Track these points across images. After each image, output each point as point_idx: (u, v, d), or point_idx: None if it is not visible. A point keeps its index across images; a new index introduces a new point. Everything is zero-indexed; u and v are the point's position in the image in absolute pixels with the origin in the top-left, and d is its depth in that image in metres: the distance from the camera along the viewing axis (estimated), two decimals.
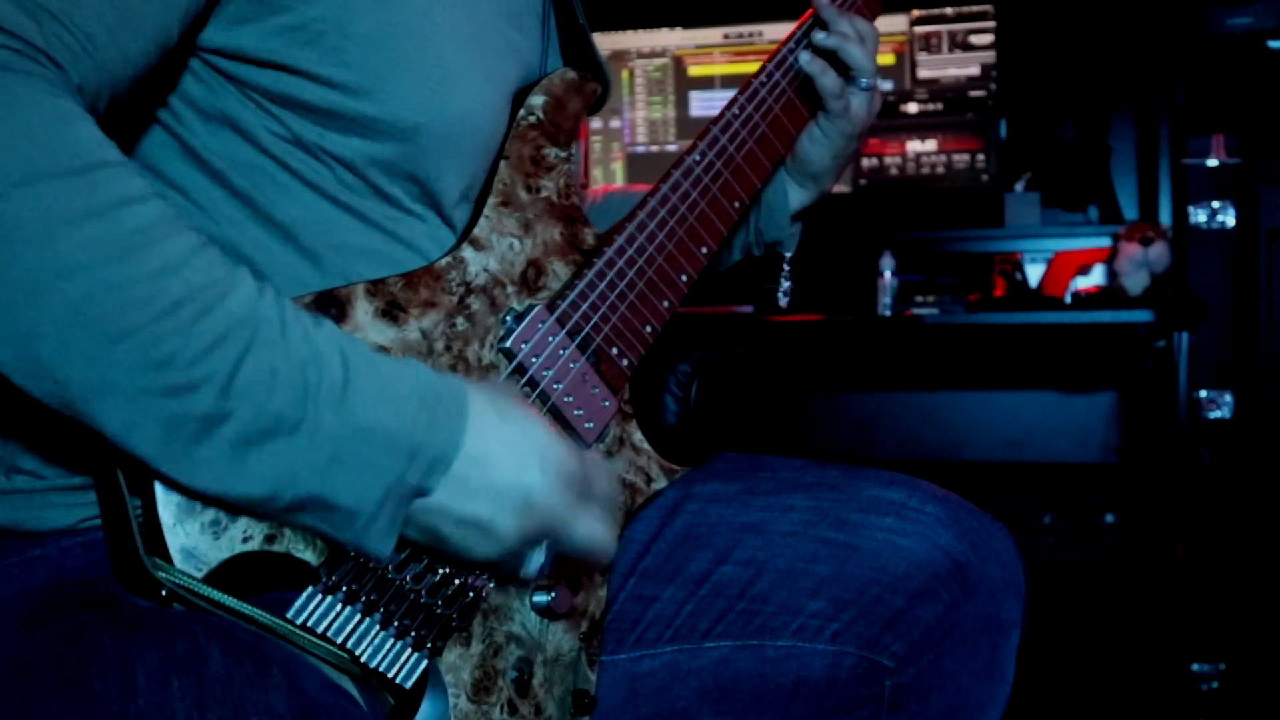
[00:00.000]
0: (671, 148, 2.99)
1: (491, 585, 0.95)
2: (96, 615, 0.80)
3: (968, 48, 2.81)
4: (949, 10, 2.81)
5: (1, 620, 0.83)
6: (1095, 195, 2.90)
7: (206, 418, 0.75)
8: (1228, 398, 2.61)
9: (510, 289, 0.99)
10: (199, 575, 0.80)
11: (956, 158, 2.82)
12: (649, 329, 1.09)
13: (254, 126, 0.92)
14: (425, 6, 0.93)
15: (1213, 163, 2.62)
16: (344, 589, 0.86)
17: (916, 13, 2.83)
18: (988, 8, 2.79)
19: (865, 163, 2.87)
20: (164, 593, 0.80)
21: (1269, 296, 2.58)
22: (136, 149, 0.92)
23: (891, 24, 2.84)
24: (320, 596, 0.85)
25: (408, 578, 0.90)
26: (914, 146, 2.84)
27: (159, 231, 0.75)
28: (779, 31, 2.90)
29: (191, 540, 0.80)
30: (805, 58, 1.26)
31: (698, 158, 1.17)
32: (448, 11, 0.95)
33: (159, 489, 0.79)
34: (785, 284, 1.41)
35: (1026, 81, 2.95)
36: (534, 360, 0.99)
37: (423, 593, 0.90)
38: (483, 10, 1.00)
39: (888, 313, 2.68)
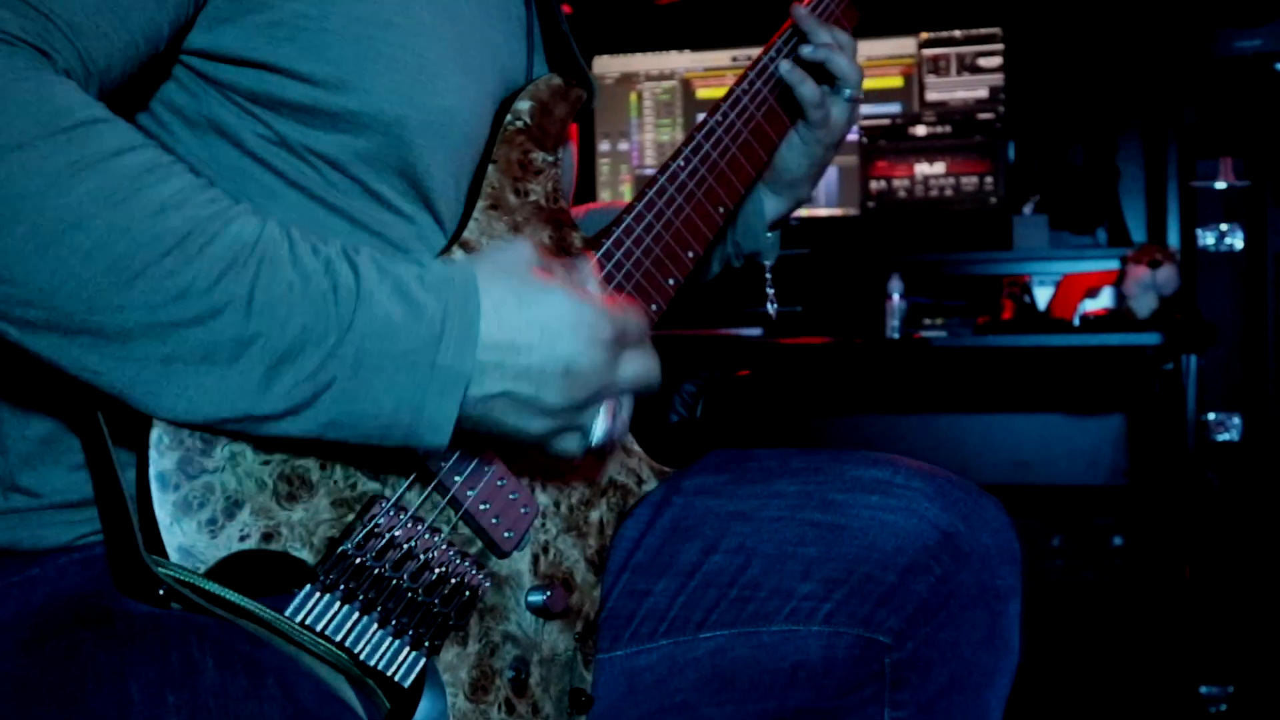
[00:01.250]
0: None
1: (488, 584, 0.96)
2: (92, 632, 0.81)
3: (976, 70, 2.82)
4: (957, 33, 2.82)
5: (1, 640, 0.84)
6: (1104, 218, 2.91)
7: (237, 340, 0.78)
8: (1236, 420, 2.61)
9: None
10: (207, 561, 0.82)
11: (965, 180, 2.83)
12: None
13: (239, 130, 0.93)
14: (403, 1, 0.95)
15: (1221, 185, 2.63)
16: (341, 587, 0.88)
17: (925, 35, 2.84)
18: (996, 30, 2.81)
19: (874, 185, 2.87)
20: (161, 591, 0.81)
21: (1278, 319, 2.58)
22: None
23: (900, 46, 2.86)
24: (318, 595, 0.87)
25: (405, 576, 0.91)
26: (922, 169, 2.85)
27: (155, 175, 0.77)
28: None
29: (189, 539, 0.82)
30: (785, 66, 1.28)
31: (682, 163, 1.19)
32: (425, 7, 0.96)
33: (155, 489, 0.81)
34: (770, 291, 1.42)
35: (1035, 104, 2.96)
36: None
37: (420, 591, 0.92)
38: (462, 9, 1.01)
39: (896, 335, 2.68)
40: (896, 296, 2.72)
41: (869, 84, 2.88)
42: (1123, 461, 2.96)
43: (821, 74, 1.30)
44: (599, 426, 0.91)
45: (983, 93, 2.82)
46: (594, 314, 0.88)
